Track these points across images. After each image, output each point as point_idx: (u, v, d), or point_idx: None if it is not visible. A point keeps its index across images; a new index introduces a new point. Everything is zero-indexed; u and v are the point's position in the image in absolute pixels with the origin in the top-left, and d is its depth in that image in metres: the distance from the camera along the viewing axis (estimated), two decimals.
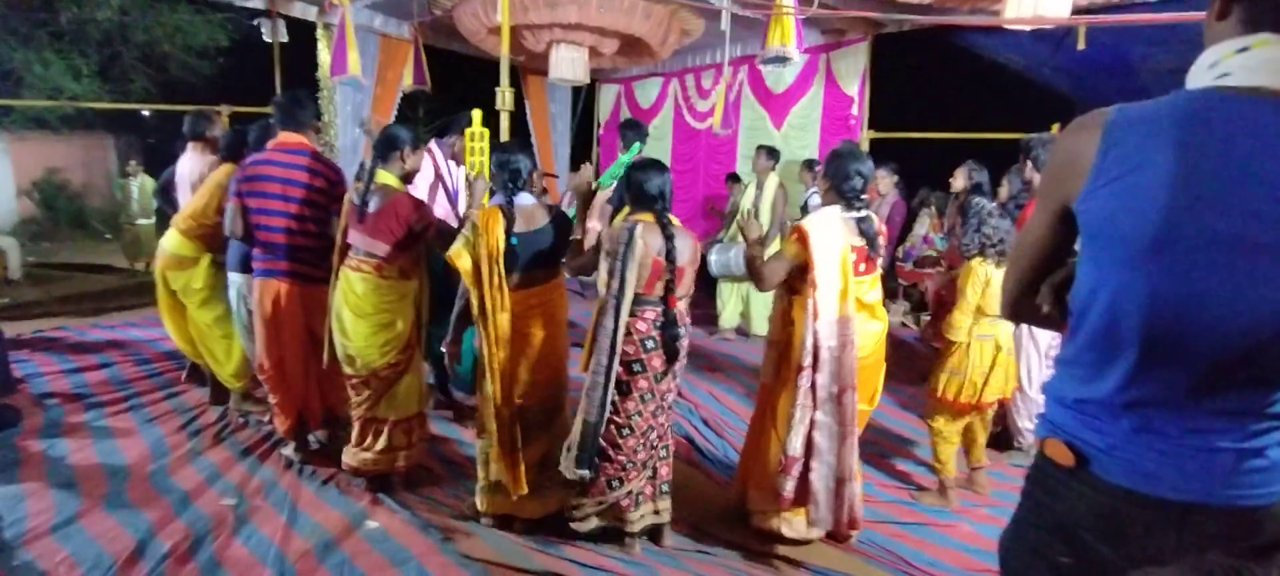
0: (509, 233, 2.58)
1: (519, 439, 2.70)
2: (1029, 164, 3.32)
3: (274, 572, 2.51)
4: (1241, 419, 0.99)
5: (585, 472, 2.48)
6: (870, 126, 6.45)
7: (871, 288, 2.70)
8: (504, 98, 4.24)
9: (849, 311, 2.56)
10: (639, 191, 2.51)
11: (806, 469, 2.63)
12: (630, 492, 2.60)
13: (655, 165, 2.57)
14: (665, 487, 2.72)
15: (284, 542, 2.68)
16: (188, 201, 3.86)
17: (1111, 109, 1.03)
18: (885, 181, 5.60)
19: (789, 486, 2.65)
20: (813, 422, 2.60)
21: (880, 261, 2.73)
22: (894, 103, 6.62)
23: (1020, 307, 1.21)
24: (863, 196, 2.65)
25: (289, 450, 3.38)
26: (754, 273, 2.64)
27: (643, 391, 2.50)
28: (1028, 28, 4.50)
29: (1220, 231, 0.92)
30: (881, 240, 2.68)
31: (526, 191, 2.71)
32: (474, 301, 2.60)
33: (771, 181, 5.82)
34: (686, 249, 2.51)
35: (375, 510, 2.94)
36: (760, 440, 2.83)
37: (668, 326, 2.47)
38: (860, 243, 2.62)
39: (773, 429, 2.74)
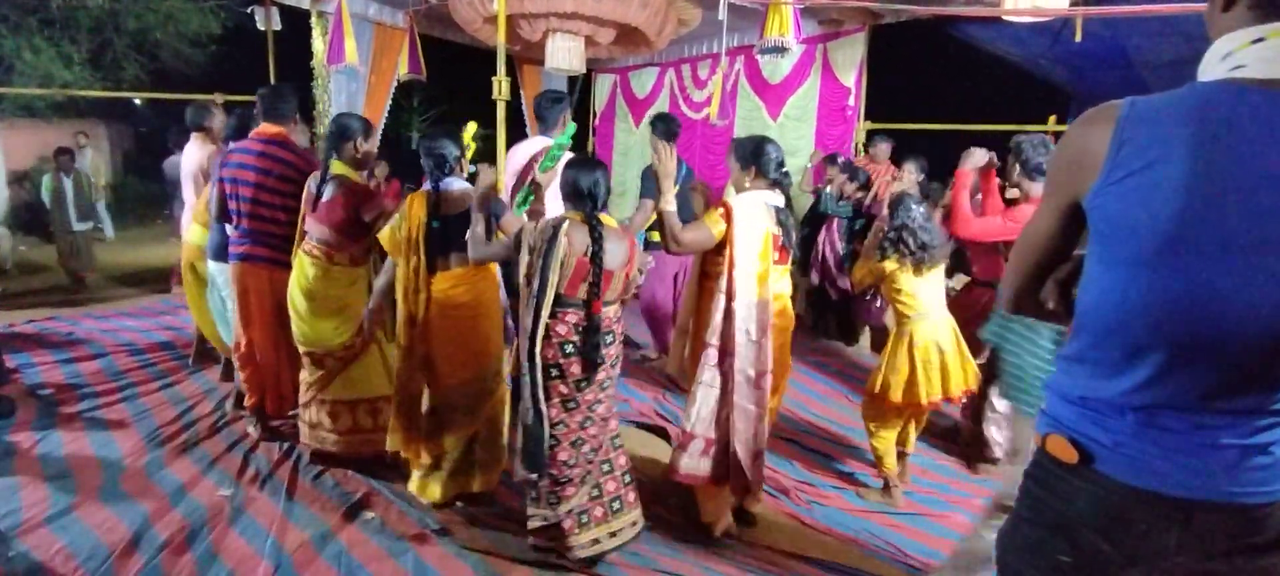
0: (433, 216, 2.66)
1: (421, 417, 2.82)
2: (1017, 166, 3.15)
3: (271, 563, 2.51)
4: (1248, 416, 0.98)
5: (531, 476, 2.40)
6: (867, 117, 6.45)
7: (781, 277, 2.67)
8: (500, 87, 4.21)
9: (768, 297, 2.53)
10: (570, 189, 2.40)
11: (727, 449, 2.62)
12: (572, 510, 2.47)
13: (589, 162, 2.48)
14: (617, 505, 2.56)
15: (281, 533, 2.68)
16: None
17: (1123, 102, 0.99)
18: (909, 176, 5.28)
19: (684, 461, 2.63)
20: (732, 405, 2.57)
21: (791, 254, 2.72)
22: (891, 94, 6.61)
23: (1023, 303, 1.19)
24: (787, 176, 2.65)
25: (251, 426, 3.52)
26: (664, 228, 2.51)
27: (563, 397, 2.37)
28: (1025, 20, 4.49)
29: (1238, 230, 0.90)
30: (795, 236, 2.69)
31: (454, 176, 2.77)
32: (397, 279, 2.72)
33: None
34: (617, 253, 2.38)
35: (372, 501, 2.94)
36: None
37: (589, 332, 2.34)
38: (777, 231, 2.60)
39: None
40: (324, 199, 2.96)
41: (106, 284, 7.46)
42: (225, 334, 3.79)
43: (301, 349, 3.13)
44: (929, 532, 2.97)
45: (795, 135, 6.97)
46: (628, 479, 2.61)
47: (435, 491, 2.89)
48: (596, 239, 2.31)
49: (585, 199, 2.37)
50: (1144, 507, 1.02)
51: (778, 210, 2.61)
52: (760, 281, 2.52)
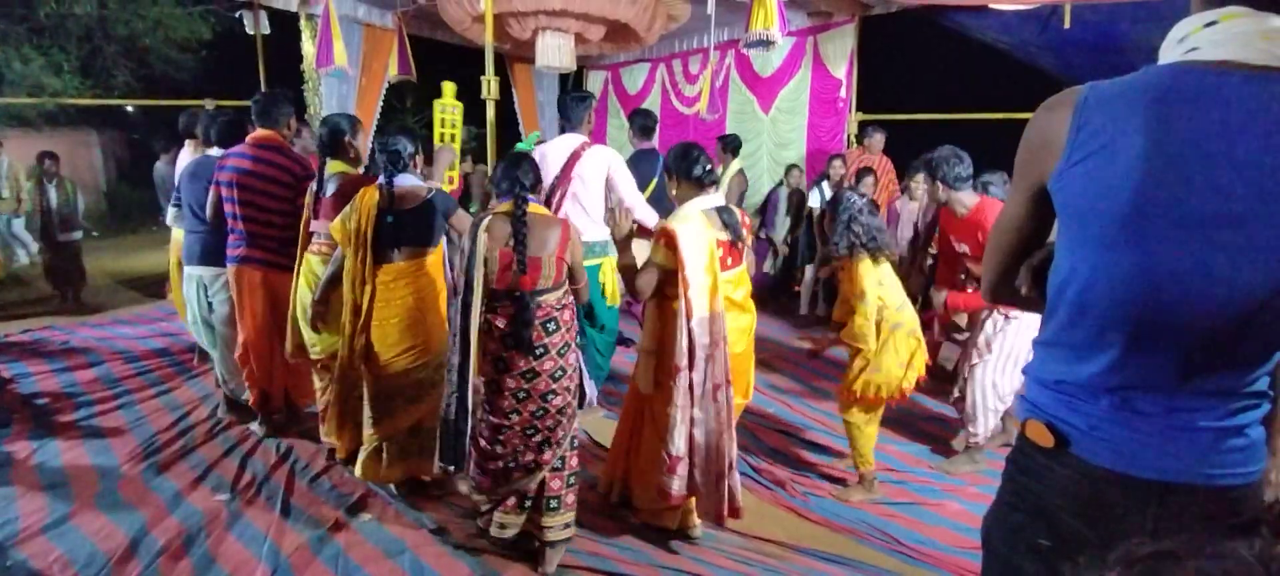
0: (386, 211, 2.71)
1: (356, 404, 2.89)
2: (937, 183, 3.18)
3: (268, 567, 2.52)
4: (1222, 398, 0.99)
5: (449, 466, 2.45)
6: (859, 109, 6.46)
7: (738, 285, 2.63)
8: (489, 86, 4.22)
9: (719, 308, 2.49)
10: (499, 181, 2.45)
11: (691, 465, 2.57)
12: (517, 492, 2.50)
13: (517, 156, 2.51)
14: (553, 504, 2.51)
15: (278, 537, 2.69)
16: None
17: (1083, 86, 1.01)
18: (921, 188, 5.10)
19: (676, 485, 2.57)
20: (692, 421, 2.53)
21: (746, 253, 2.67)
22: (882, 85, 6.63)
23: (1000, 290, 1.21)
24: (713, 173, 2.60)
25: (256, 425, 3.59)
26: (628, 282, 2.52)
27: (513, 389, 2.40)
28: (1014, 8, 4.50)
29: (1192, 208, 0.91)
30: (745, 232, 2.64)
31: (409, 172, 2.81)
32: (345, 270, 2.77)
33: (732, 168, 5.91)
34: (548, 240, 2.39)
35: (369, 502, 2.95)
36: (634, 439, 2.76)
37: (518, 315, 2.36)
38: (724, 235, 2.56)
39: (648, 431, 2.67)
40: (326, 196, 3.03)
41: (101, 291, 7.44)
42: (196, 334, 3.92)
43: (314, 356, 3.17)
44: (924, 521, 2.99)
45: (787, 128, 6.99)
46: (572, 481, 2.57)
47: (389, 472, 2.94)
48: (519, 228, 2.32)
49: (513, 187, 2.40)
50: (1121, 490, 1.03)
51: (719, 211, 2.57)
52: (711, 294, 2.49)
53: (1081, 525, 1.06)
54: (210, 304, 3.64)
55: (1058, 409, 1.08)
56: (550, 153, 3.68)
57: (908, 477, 3.36)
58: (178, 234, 4.06)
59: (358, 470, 2.96)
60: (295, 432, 3.58)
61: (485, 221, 2.35)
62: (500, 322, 2.38)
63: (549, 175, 3.67)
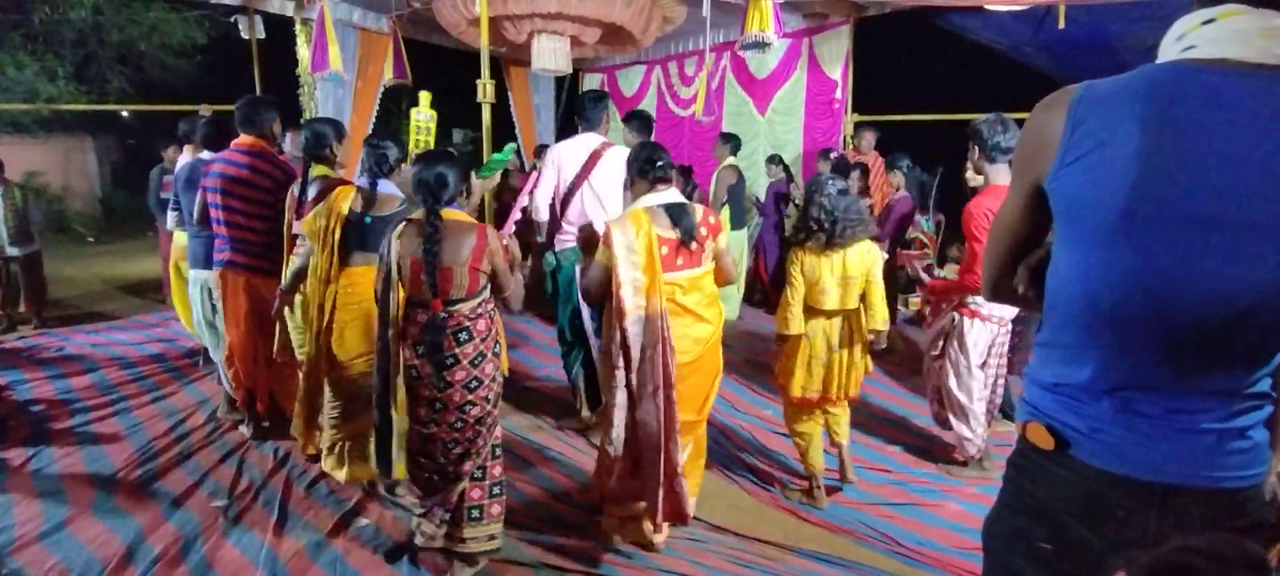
0: (363, 212, 2.75)
1: (321, 404, 2.94)
2: (976, 149, 2.99)
3: (266, 573, 2.51)
4: (1223, 399, 0.98)
5: (382, 473, 2.45)
6: (854, 109, 6.47)
7: (691, 289, 2.51)
8: (484, 90, 4.21)
9: (658, 309, 2.40)
10: (413, 185, 2.36)
11: (637, 465, 2.51)
12: (440, 503, 2.45)
13: (432, 157, 2.40)
14: (475, 513, 2.46)
15: (275, 542, 2.69)
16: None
17: (1079, 85, 1.01)
18: (896, 176, 5.10)
19: (613, 486, 2.56)
20: (637, 422, 2.47)
21: (705, 257, 2.53)
22: (877, 86, 6.63)
23: (999, 289, 1.20)
24: (662, 169, 2.51)
25: (245, 427, 3.64)
26: (580, 286, 2.50)
27: (427, 399, 2.35)
28: (1008, 8, 4.51)
29: (1188, 208, 0.91)
30: (703, 231, 2.51)
31: (392, 179, 2.82)
32: (310, 267, 2.81)
33: (725, 162, 5.99)
34: (462, 248, 2.30)
35: (366, 507, 2.94)
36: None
37: (429, 329, 2.29)
38: (672, 234, 2.45)
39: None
40: (308, 199, 3.03)
41: (97, 297, 7.42)
42: (200, 336, 3.97)
43: (300, 359, 3.16)
44: (923, 522, 2.98)
45: (783, 129, 6.99)
46: (496, 491, 2.51)
47: (341, 472, 2.96)
48: (429, 236, 2.24)
49: (426, 195, 2.32)
50: (1122, 493, 1.02)
51: (669, 208, 2.47)
52: (647, 292, 2.41)
53: (1084, 528, 1.05)
54: (214, 306, 3.64)
55: (1057, 411, 1.07)
56: (569, 153, 3.70)
57: (907, 478, 3.36)
58: (180, 237, 4.10)
59: (323, 466, 3.01)
60: (282, 437, 3.55)
61: (398, 227, 2.32)
62: (412, 330, 2.33)
63: (568, 175, 3.68)
